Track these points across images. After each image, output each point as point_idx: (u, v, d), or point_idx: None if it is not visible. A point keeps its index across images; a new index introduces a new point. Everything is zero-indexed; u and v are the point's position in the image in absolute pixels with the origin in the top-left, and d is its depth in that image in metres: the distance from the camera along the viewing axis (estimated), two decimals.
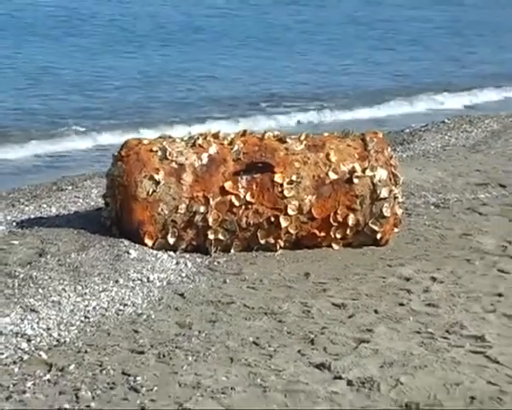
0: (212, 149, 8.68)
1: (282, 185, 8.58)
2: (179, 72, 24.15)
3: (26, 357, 6.11)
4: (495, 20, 39.98)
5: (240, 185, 8.55)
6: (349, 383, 5.80)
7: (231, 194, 8.51)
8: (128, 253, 8.33)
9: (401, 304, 7.39)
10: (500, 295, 7.65)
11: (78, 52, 26.25)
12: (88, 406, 5.41)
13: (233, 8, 38.23)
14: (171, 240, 8.56)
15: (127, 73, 23.54)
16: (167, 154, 8.60)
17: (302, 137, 9.03)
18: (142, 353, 6.25)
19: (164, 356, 6.20)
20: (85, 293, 7.35)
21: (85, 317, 6.92)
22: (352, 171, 8.76)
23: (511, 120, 17.16)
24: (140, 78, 23.22)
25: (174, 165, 8.56)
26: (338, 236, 8.85)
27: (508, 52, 29.90)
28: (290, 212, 8.61)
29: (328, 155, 8.80)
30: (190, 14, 36.35)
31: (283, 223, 8.62)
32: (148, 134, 13.67)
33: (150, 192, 8.47)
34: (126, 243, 8.53)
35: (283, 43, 30.27)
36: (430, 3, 43.94)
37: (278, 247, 8.73)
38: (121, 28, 32.27)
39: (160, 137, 9.02)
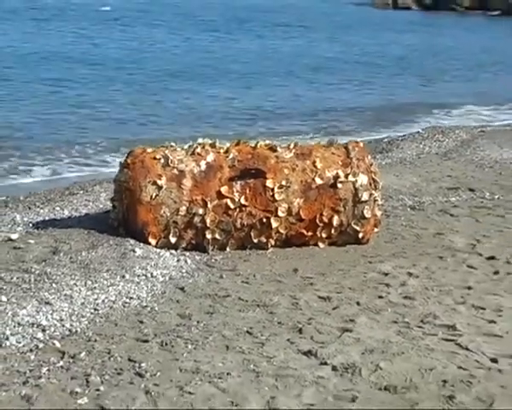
0: (210, 157, 8.68)
1: (272, 190, 8.58)
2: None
3: (41, 345, 6.12)
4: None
5: (235, 190, 8.55)
6: (334, 368, 5.82)
7: (227, 197, 8.51)
8: (133, 251, 8.32)
9: (380, 297, 7.40)
10: (469, 288, 7.67)
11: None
12: (97, 389, 5.42)
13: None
14: (173, 239, 8.55)
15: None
16: (169, 161, 8.59)
17: (291, 146, 9.04)
18: (146, 341, 6.26)
19: (166, 344, 6.20)
20: (95, 287, 7.35)
21: (95, 309, 6.91)
22: (336, 176, 8.77)
23: (479, 131, 17.19)
24: None
25: (175, 171, 8.55)
26: (323, 235, 8.85)
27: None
28: (280, 214, 8.61)
29: (314, 162, 8.81)
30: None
31: (274, 224, 8.62)
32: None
33: (153, 196, 8.46)
34: (132, 242, 8.52)
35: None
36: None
37: (269, 245, 8.72)
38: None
39: (163, 146, 9.00)
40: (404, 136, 16.84)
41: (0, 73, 23.66)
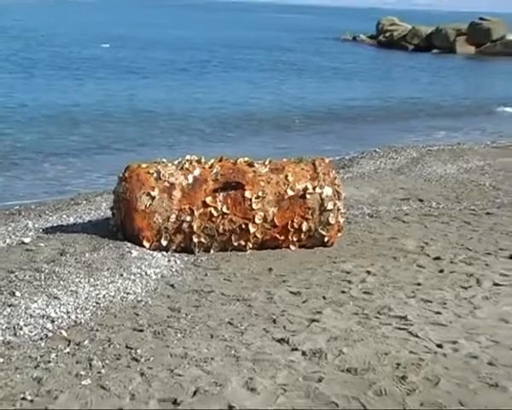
0: (196, 172, 8.68)
1: (250, 200, 8.59)
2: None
3: (50, 334, 6.13)
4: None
5: (218, 200, 8.54)
6: (303, 353, 5.85)
7: (211, 206, 8.51)
8: (130, 253, 8.30)
9: (343, 292, 7.41)
10: (419, 284, 7.70)
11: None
12: (99, 372, 5.43)
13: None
14: (164, 243, 8.54)
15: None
16: (161, 175, 8.59)
17: (266, 162, 9.04)
18: (141, 331, 6.27)
19: (158, 333, 6.22)
20: (97, 284, 7.33)
21: (97, 303, 6.91)
22: (305, 189, 8.79)
23: (427, 150, 17.27)
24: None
25: (166, 184, 8.55)
26: (294, 239, 8.86)
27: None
28: (257, 220, 8.62)
29: (286, 176, 8.83)
30: None
31: (252, 229, 8.63)
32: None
33: (147, 205, 8.45)
34: (129, 245, 8.50)
35: None
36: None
37: (248, 248, 8.72)
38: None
39: (155, 162, 9.00)
40: (362, 153, 16.85)
41: None
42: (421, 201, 11.73)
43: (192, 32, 66.13)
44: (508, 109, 27.32)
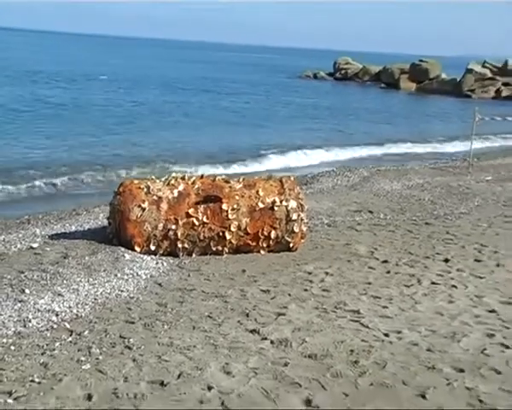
0: (181, 187, 8.67)
1: (227, 211, 8.60)
2: None
3: (55, 326, 6.09)
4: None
5: (199, 211, 8.54)
6: (271, 342, 5.86)
7: (193, 217, 8.51)
8: (124, 256, 8.27)
9: (305, 290, 7.43)
10: (369, 283, 7.75)
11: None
12: (97, 358, 5.41)
13: None
14: (153, 247, 8.52)
15: None
16: (150, 190, 8.58)
17: (240, 180, 9.08)
18: (133, 323, 6.24)
19: (148, 325, 6.19)
20: (95, 283, 7.30)
21: (95, 299, 6.87)
22: (274, 202, 8.82)
23: (376, 170, 17.38)
24: None
25: (155, 197, 8.53)
26: (264, 245, 8.88)
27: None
28: (232, 229, 8.63)
29: (257, 191, 8.85)
30: None
31: (228, 236, 8.64)
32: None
33: (139, 215, 8.43)
34: (123, 249, 8.47)
35: None
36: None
37: (224, 252, 8.72)
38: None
39: (146, 179, 8.98)
40: (322, 172, 16.93)
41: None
42: (371, 212, 11.81)
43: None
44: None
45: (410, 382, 5.16)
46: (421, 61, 60.40)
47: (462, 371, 5.39)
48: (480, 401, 4.89)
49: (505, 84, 52.59)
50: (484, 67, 56.38)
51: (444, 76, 58.06)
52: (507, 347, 5.93)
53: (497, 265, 8.64)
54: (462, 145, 23.38)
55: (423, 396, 4.92)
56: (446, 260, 8.77)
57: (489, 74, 54.90)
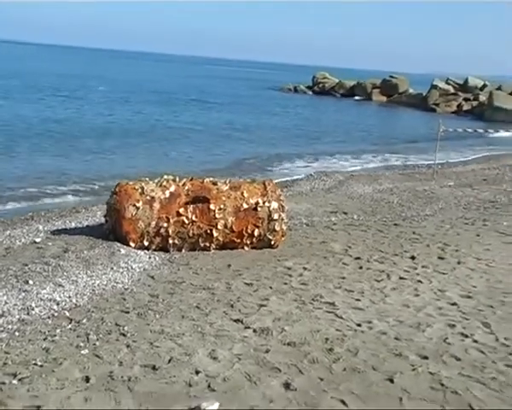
0: (172, 188, 8.65)
1: (214, 211, 8.59)
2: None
3: (56, 314, 6.08)
4: None
5: (188, 210, 8.53)
6: (254, 330, 5.87)
7: (183, 216, 8.49)
8: (119, 251, 8.25)
9: (285, 283, 7.44)
10: (343, 278, 7.77)
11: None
12: (94, 344, 5.40)
13: None
14: (146, 243, 8.50)
15: None
16: (144, 190, 8.55)
17: (227, 182, 9.08)
18: (127, 312, 6.23)
19: (141, 314, 6.18)
20: (93, 275, 7.28)
21: (92, 290, 6.85)
22: (257, 203, 8.83)
23: (349, 175, 17.44)
24: None
25: (148, 197, 8.51)
26: (248, 242, 8.88)
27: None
28: (219, 227, 8.62)
29: (242, 192, 8.85)
30: None
31: (215, 234, 8.63)
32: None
33: (133, 214, 8.40)
34: (118, 244, 8.44)
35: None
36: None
37: (212, 248, 8.71)
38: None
39: (140, 180, 8.95)
40: (301, 177, 16.98)
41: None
42: (345, 213, 11.84)
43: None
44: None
45: (379, 367, 5.18)
46: (391, 77, 60.73)
47: (426, 358, 5.43)
48: (442, 384, 4.93)
49: (466, 100, 52.99)
50: (447, 83, 56.82)
51: (411, 91, 58.39)
52: (466, 336, 5.98)
53: (458, 262, 8.70)
54: (427, 154, 23.52)
55: (391, 380, 4.95)
56: (413, 258, 8.81)
57: (452, 90, 55.30)
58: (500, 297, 7.23)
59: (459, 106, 52.18)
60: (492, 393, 4.83)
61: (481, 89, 54.83)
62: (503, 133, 31.54)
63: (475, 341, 5.87)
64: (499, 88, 50.79)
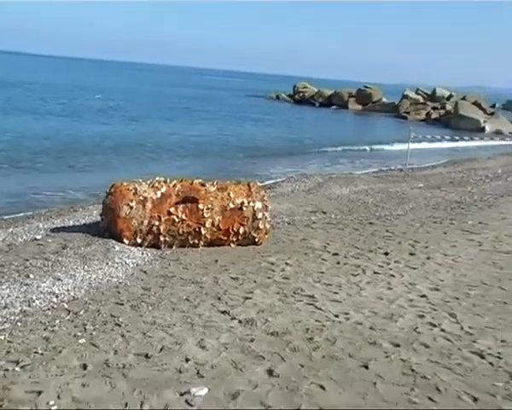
0: (163, 189, 8.63)
1: (202, 210, 8.59)
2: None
3: (55, 306, 6.05)
4: None
5: (179, 210, 8.52)
6: (240, 321, 5.87)
7: (174, 215, 8.48)
8: (114, 247, 8.21)
9: (269, 277, 7.46)
10: (322, 272, 7.80)
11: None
12: (91, 334, 5.37)
13: None
14: (139, 240, 8.47)
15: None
16: (137, 191, 8.52)
17: (214, 183, 9.07)
18: (121, 304, 6.21)
19: (135, 306, 6.17)
20: (89, 270, 7.24)
21: (89, 284, 6.82)
22: (242, 203, 8.84)
23: (328, 177, 17.48)
24: None
25: (141, 197, 8.48)
26: (234, 239, 8.89)
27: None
28: (207, 225, 8.62)
29: (229, 193, 8.85)
30: None
31: (203, 231, 8.62)
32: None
33: (127, 213, 8.38)
34: (113, 241, 8.41)
35: None
36: None
37: (200, 245, 8.70)
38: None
39: (133, 181, 8.92)
40: (282, 179, 16.96)
41: None
42: (324, 213, 11.87)
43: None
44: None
45: (355, 355, 5.21)
46: (365, 87, 61.07)
47: (398, 345, 5.47)
48: (412, 370, 4.97)
49: (434, 108, 53.45)
50: (417, 93, 57.29)
51: (384, 100, 58.75)
52: (434, 326, 6.04)
53: (428, 258, 8.77)
54: (399, 158, 23.65)
55: (366, 367, 4.98)
56: (386, 254, 8.87)
57: (421, 100, 55.78)
58: (465, 290, 7.31)
59: (428, 114, 52.57)
60: (458, 377, 4.88)
61: (448, 98, 55.37)
62: (468, 142, 31.77)
63: (443, 330, 5.92)
64: (464, 98, 51.35)
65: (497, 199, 14.43)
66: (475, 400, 4.52)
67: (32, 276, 6.80)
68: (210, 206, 8.64)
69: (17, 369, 4.64)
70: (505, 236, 10.36)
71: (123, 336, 5.36)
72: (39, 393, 4.30)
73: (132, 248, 8.32)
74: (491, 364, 5.17)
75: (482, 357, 5.30)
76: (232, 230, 8.80)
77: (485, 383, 4.81)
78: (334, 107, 59.42)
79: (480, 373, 4.97)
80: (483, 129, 42.31)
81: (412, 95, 56.38)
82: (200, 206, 8.59)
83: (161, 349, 5.11)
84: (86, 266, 7.35)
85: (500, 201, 14.19)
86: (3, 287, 6.41)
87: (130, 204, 8.39)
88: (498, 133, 40.52)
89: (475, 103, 48.35)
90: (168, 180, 8.95)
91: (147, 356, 4.96)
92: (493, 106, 62.34)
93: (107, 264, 7.56)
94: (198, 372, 4.72)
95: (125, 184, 8.79)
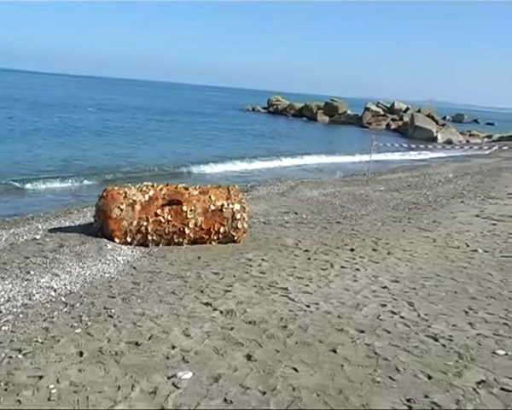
0: (151, 192, 8.60)
1: (186, 212, 8.58)
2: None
3: (53, 299, 6.00)
4: None
5: (165, 211, 8.50)
6: (221, 312, 5.88)
7: (160, 216, 8.46)
8: (106, 246, 8.16)
9: (247, 272, 7.46)
10: (295, 267, 7.82)
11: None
12: (86, 324, 5.34)
13: None
14: (129, 239, 8.43)
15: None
16: (127, 194, 8.48)
17: (197, 187, 9.07)
18: (113, 297, 6.18)
19: (125, 299, 6.14)
20: (84, 266, 7.19)
21: (84, 279, 6.77)
22: (222, 205, 8.85)
23: (299, 181, 17.56)
24: None
25: (131, 200, 8.44)
26: (215, 238, 8.89)
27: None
28: (191, 225, 8.61)
29: (210, 196, 8.85)
30: None
31: (187, 231, 8.62)
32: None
33: (118, 214, 8.33)
34: (105, 241, 8.35)
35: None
36: None
37: (184, 243, 8.69)
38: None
39: (123, 186, 8.88)
40: (259, 183, 16.96)
41: None
42: (296, 213, 11.92)
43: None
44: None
45: (324, 340, 5.26)
46: (332, 100, 61.40)
47: (362, 332, 5.52)
48: (375, 353, 5.03)
49: (393, 120, 54.10)
50: (378, 106, 57.86)
51: (349, 112, 59.10)
52: (395, 313, 6.10)
53: (388, 253, 8.86)
54: (362, 163, 23.88)
55: (334, 351, 5.03)
56: (352, 250, 8.93)
57: (381, 112, 56.34)
58: (421, 281, 7.41)
59: (388, 125, 53.20)
60: (415, 358, 4.96)
61: (405, 111, 55.98)
62: (423, 151, 32.16)
63: (402, 317, 6.00)
64: (419, 111, 52.02)
65: (448, 200, 14.64)
66: (430, 377, 4.60)
67: (32, 272, 6.73)
68: (193, 208, 8.64)
69: (20, 356, 4.61)
70: (456, 233, 10.52)
71: (115, 326, 5.34)
72: (40, 378, 4.27)
73: (123, 247, 8.28)
74: (443, 346, 5.27)
75: (436, 340, 5.39)
76: (213, 229, 8.81)
77: (439, 362, 4.89)
78: (304, 119, 59.62)
79: (434, 354, 5.06)
80: (436, 138, 42.92)
81: (374, 108, 56.93)
82: (184, 208, 8.59)
83: (150, 338, 5.10)
84: (81, 263, 7.29)
85: (451, 202, 14.40)
86: (6, 282, 6.34)
87: (121, 206, 8.35)
88: (449, 142, 41.11)
89: (429, 115, 48.92)
90: (155, 185, 8.93)
91: (137, 344, 4.95)
92: (444, 118, 63.32)
93: (101, 261, 7.51)
94: (183, 358, 4.73)
95: (116, 188, 8.75)
